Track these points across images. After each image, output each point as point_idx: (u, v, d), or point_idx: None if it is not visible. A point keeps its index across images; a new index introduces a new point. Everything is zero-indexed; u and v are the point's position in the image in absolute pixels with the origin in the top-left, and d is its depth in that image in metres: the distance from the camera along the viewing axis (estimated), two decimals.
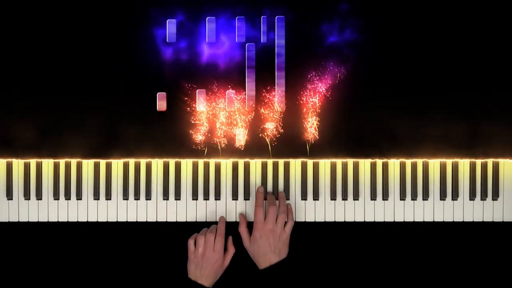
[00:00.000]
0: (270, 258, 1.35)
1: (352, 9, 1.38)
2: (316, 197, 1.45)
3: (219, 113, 1.40)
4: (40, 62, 1.39)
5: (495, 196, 1.44)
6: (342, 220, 1.45)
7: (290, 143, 1.40)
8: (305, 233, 1.43)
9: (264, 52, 1.40)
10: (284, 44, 1.40)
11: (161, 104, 1.39)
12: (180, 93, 1.39)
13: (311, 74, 1.40)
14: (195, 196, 1.45)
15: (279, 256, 1.36)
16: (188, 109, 1.39)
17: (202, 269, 1.37)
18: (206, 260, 1.37)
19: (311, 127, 1.40)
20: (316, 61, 1.39)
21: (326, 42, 1.39)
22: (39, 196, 1.44)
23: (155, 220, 1.45)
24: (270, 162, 1.45)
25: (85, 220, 1.44)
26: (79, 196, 1.44)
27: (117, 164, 1.44)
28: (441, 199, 1.44)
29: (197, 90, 1.40)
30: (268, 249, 1.36)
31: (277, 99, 1.40)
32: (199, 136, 1.39)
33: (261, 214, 1.38)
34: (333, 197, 1.45)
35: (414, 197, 1.44)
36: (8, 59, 1.39)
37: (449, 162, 1.44)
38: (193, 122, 1.39)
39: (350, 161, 1.44)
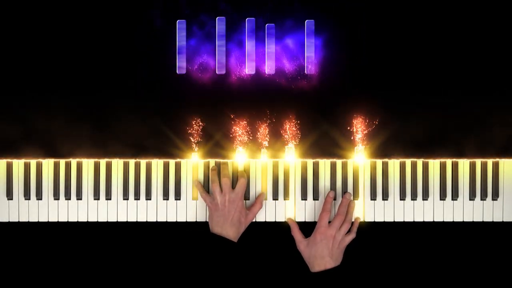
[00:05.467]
0: (326, 262, 1.36)
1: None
2: (316, 197, 1.45)
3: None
4: (40, 61, 1.39)
5: (495, 196, 1.44)
6: None
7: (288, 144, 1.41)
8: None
9: None
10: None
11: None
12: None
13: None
14: (195, 196, 1.45)
15: (335, 262, 1.37)
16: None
17: (225, 215, 1.36)
18: (229, 203, 1.37)
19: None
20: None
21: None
22: (39, 196, 1.43)
23: (155, 220, 1.45)
24: (270, 162, 1.45)
25: (85, 220, 1.44)
26: (79, 196, 1.44)
27: (117, 164, 1.44)
28: (441, 199, 1.44)
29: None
30: (326, 253, 1.36)
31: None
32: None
33: (326, 219, 1.39)
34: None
35: (414, 197, 1.44)
36: (8, 59, 1.39)
37: (449, 162, 1.44)
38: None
39: (350, 161, 1.45)
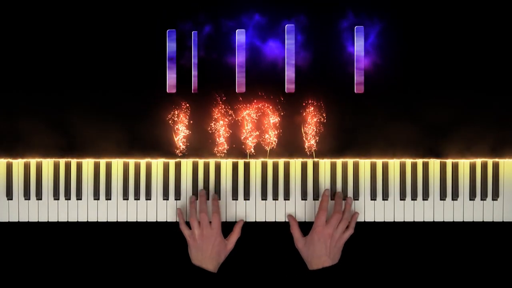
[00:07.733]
0: (324, 261, 1.36)
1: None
2: (316, 197, 1.45)
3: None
4: (41, 61, 1.39)
5: (495, 196, 1.44)
6: None
7: (290, 144, 1.41)
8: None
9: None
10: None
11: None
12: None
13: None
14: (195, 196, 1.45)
15: (332, 260, 1.36)
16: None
17: (203, 250, 1.37)
18: (205, 239, 1.37)
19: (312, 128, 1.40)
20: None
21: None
22: (39, 196, 1.43)
23: (155, 220, 1.45)
24: (270, 162, 1.45)
25: (85, 220, 1.44)
26: (79, 196, 1.44)
27: (117, 164, 1.44)
28: (441, 199, 1.44)
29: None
30: (324, 252, 1.36)
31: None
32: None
33: (323, 217, 1.38)
34: (333, 197, 1.45)
35: (414, 197, 1.44)
36: (8, 58, 1.39)
37: (449, 162, 1.44)
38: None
39: (350, 161, 1.44)
